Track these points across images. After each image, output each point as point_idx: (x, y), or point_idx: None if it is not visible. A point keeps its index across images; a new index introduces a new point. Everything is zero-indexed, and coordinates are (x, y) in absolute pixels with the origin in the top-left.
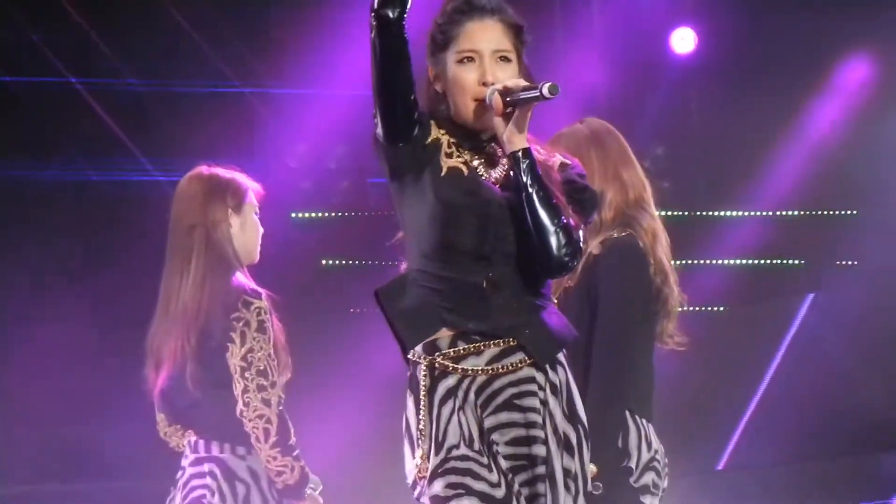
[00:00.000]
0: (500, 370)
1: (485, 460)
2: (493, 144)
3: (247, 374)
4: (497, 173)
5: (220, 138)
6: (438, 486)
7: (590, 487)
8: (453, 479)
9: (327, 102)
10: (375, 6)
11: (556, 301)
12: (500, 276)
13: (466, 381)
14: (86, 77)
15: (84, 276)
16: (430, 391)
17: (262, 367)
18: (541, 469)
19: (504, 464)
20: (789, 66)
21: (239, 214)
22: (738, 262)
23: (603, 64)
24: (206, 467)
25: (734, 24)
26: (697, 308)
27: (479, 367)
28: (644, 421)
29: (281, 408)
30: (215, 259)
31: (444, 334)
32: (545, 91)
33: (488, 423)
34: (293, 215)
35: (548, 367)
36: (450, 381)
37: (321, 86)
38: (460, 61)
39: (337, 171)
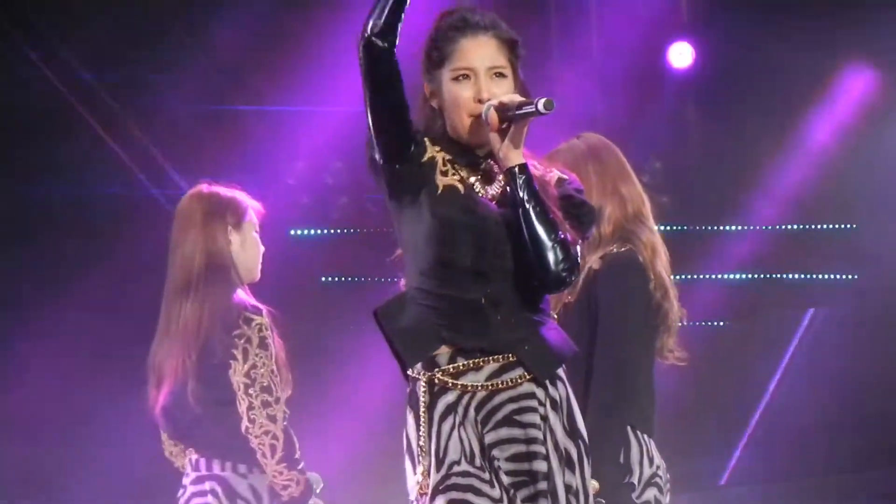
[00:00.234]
0: (500, 386)
1: (486, 476)
2: (489, 161)
3: (251, 391)
4: (494, 190)
5: (218, 156)
6: (440, 503)
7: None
8: (455, 495)
9: (324, 119)
10: (366, 35)
11: (555, 316)
12: (498, 292)
13: (466, 397)
14: (87, 93)
15: (81, 294)
16: (430, 407)
17: (265, 384)
18: (542, 485)
19: (506, 479)
20: (787, 81)
21: (239, 232)
22: (737, 276)
23: (600, 78)
24: (207, 485)
25: (732, 38)
26: (697, 323)
27: (479, 383)
28: (645, 436)
29: (286, 423)
30: (216, 277)
31: (444, 351)
32: (541, 106)
33: (489, 438)
34: (291, 232)
35: (548, 382)
36: (450, 397)
37: (318, 103)
38: (455, 79)
39: (335, 187)
